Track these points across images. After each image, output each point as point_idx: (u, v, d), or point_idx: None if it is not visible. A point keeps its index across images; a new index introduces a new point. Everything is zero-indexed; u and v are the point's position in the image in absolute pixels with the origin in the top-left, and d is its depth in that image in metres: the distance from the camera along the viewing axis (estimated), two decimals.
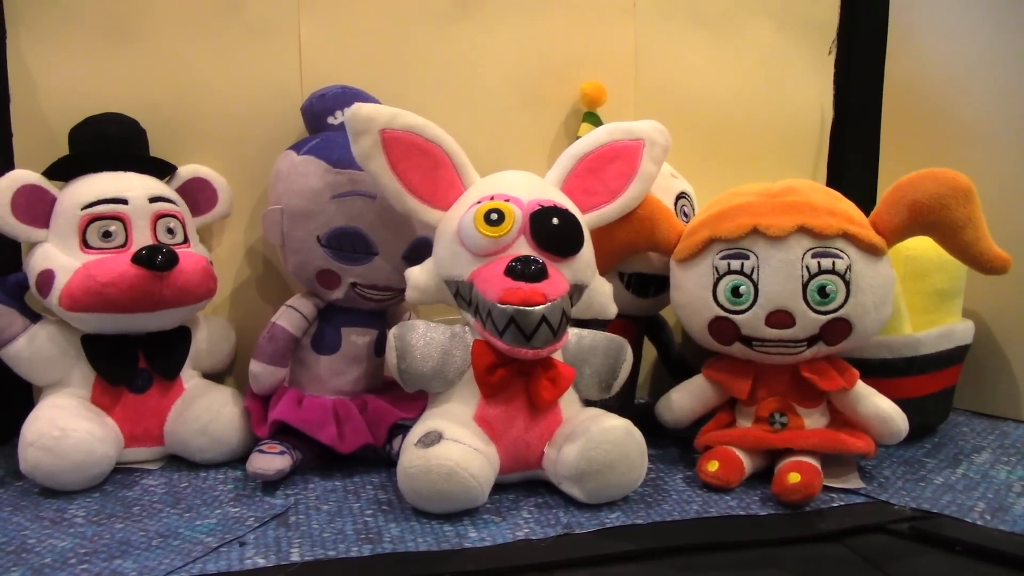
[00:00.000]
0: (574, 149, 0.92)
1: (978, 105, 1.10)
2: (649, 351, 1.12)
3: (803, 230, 0.85)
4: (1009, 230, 0.92)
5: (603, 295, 0.90)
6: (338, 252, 0.91)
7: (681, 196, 1.03)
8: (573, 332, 0.88)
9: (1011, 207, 1.04)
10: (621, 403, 0.97)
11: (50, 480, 0.84)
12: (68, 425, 0.85)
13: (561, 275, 0.83)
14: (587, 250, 0.87)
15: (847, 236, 0.85)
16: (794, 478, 0.82)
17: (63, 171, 0.93)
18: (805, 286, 0.85)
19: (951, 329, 1.01)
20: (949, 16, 1.12)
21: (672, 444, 0.99)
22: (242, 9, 1.02)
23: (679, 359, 1.09)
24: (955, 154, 1.10)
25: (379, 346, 0.96)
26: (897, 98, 1.18)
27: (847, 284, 0.85)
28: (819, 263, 0.84)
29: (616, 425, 0.82)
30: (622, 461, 0.81)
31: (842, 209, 0.87)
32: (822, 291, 0.84)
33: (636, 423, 0.84)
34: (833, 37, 1.22)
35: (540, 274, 0.80)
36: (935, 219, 0.85)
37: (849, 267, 0.85)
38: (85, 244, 0.89)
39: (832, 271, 0.84)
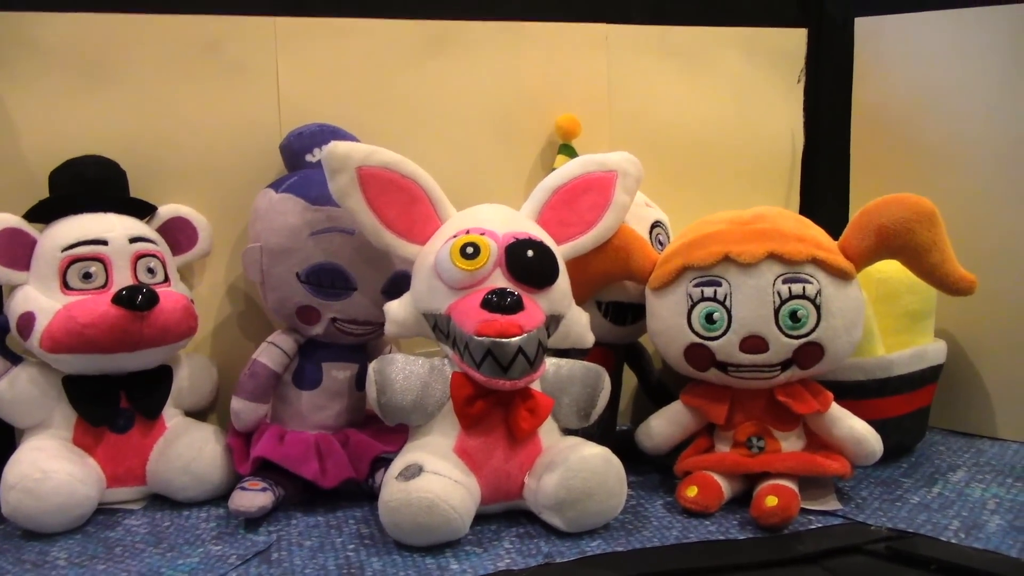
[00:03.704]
0: (548, 182, 0.94)
1: (943, 129, 1.13)
2: (630, 378, 1.12)
3: (773, 256, 0.86)
4: (975, 252, 0.94)
5: (580, 325, 0.91)
6: (317, 288, 0.92)
7: (656, 225, 1.04)
8: (551, 362, 0.89)
9: (976, 229, 1.06)
10: (602, 431, 0.98)
11: (32, 522, 0.85)
12: (50, 467, 0.85)
13: (537, 306, 0.85)
14: (563, 281, 0.88)
15: (816, 261, 0.87)
16: (771, 501, 0.83)
17: (43, 213, 0.93)
18: (777, 311, 0.86)
19: (923, 349, 1.02)
20: (913, 44, 1.15)
21: (653, 470, 1.00)
22: (220, 50, 1.03)
23: (659, 385, 1.10)
24: (922, 177, 1.12)
25: (360, 380, 0.97)
26: (865, 124, 1.21)
27: (818, 308, 0.86)
28: (790, 288, 0.86)
29: (595, 453, 0.83)
30: (601, 489, 0.82)
31: (811, 235, 0.89)
32: (793, 316, 0.86)
33: (618, 450, 0.85)
34: (801, 66, 1.24)
35: (516, 306, 0.82)
36: (901, 243, 0.87)
37: (819, 292, 0.86)
38: (65, 286, 0.90)
39: (803, 296, 0.86)
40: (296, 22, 1.05)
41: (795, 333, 0.86)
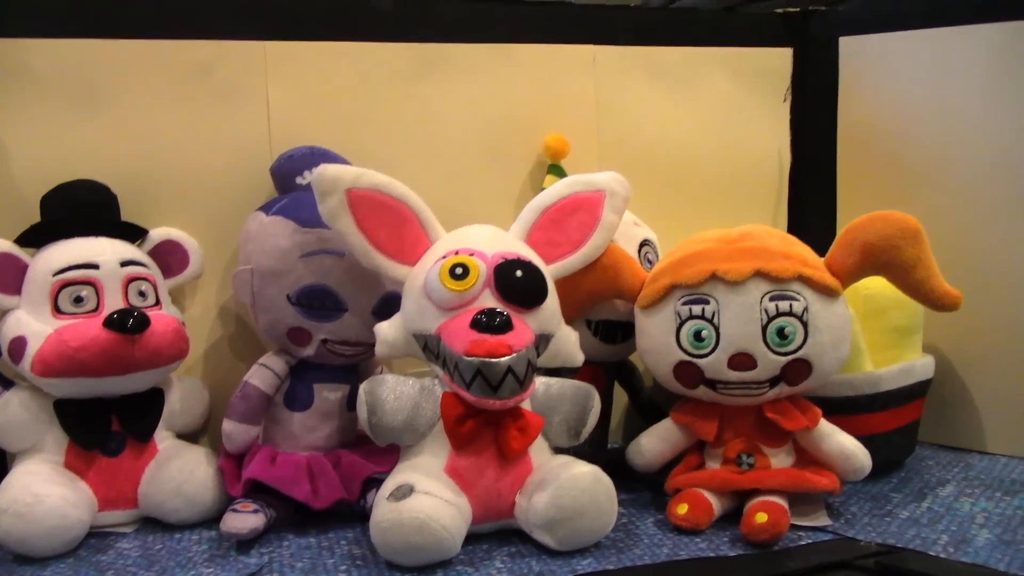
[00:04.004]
0: (536, 202, 0.94)
1: (927, 146, 1.14)
2: (621, 396, 1.13)
3: (760, 274, 0.87)
4: (960, 267, 0.95)
5: (570, 343, 0.92)
6: (308, 309, 0.93)
7: (644, 244, 1.05)
8: (540, 381, 0.89)
9: (961, 244, 1.07)
10: (594, 449, 0.98)
11: (24, 547, 0.85)
12: (41, 491, 0.85)
13: (526, 326, 0.85)
14: (552, 300, 0.89)
15: (803, 279, 0.87)
16: (761, 518, 0.84)
17: (35, 238, 0.94)
18: (764, 328, 0.87)
19: (912, 365, 1.03)
20: (896, 63, 1.17)
21: (645, 488, 1.00)
22: (211, 74, 1.04)
23: (649, 403, 1.11)
24: (907, 194, 1.13)
25: (351, 401, 0.97)
26: (851, 142, 1.22)
27: (805, 325, 0.87)
28: (777, 306, 0.87)
29: (585, 472, 0.83)
30: (592, 507, 0.82)
31: (797, 252, 0.90)
32: (781, 333, 0.87)
33: (609, 468, 0.86)
34: (787, 85, 1.26)
35: (505, 326, 0.82)
36: (886, 260, 0.88)
37: (806, 309, 0.87)
38: (57, 309, 0.90)
39: (790, 313, 0.87)
40: (286, 46, 1.05)
41: (783, 350, 0.87)
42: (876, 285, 0.99)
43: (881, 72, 1.18)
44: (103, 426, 0.93)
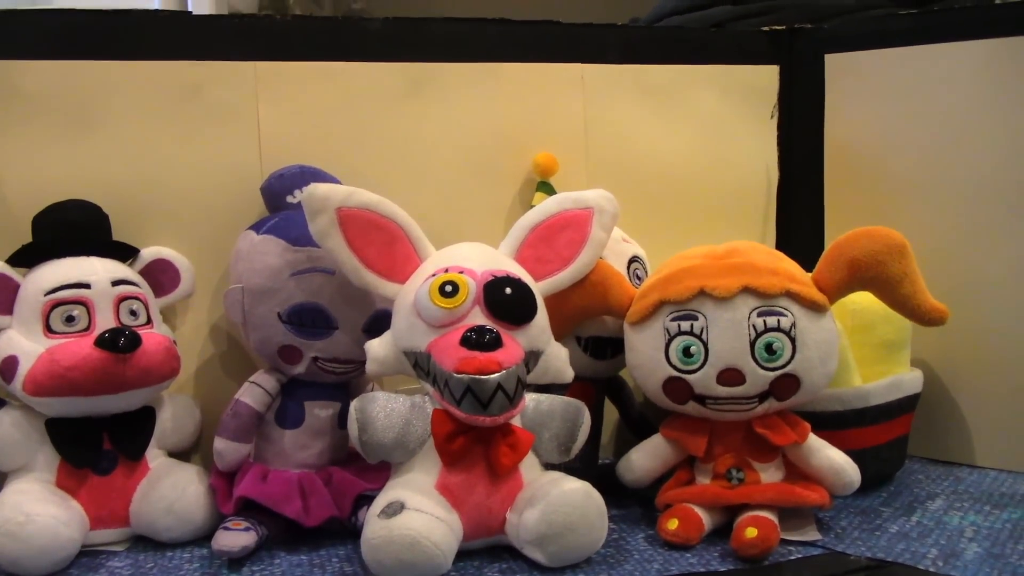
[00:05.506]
0: (525, 220, 0.95)
1: (914, 162, 1.15)
2: (611, 412, 1.13)
3: (748, 290, 0.88)
4: (946, 283, 0.96)
5: (559, 360, 0.92)
6: (299, 327, 0.93)
7: (633, 260, 1.06)
8: (531, 397, 0.90)
9: (947, 260, 1.08)
10: (585, 465, 0.98)
11: (15, 567, 0.84)
12: (33, 510, 0.85)
13: (516, 343, 0.86)
14: (541, 317, 0.90)
15: (790, 294, 0.88)
16: (751, 533, 0.84)
17: (26, 258, 0.94)
18: (753, 344, 0.87)
19: (900, 379, 1.04)
20: (882, 79, 1.18)
21: (635, 503, 1.00)
22: (201, 95, 1.05)
23: (640, 419, 1.11)
24: (895, 210, 1.14)
25: (342, 418, 0.97)
26: (838, 158, 1.23)
27: (793, 341, 0.87)
28: (764, 321, 0.87)
29: (575, 488, 0.84)
30: (582, 523, 0.83)
31: (784, 268, 0.91)
32: (769, 348, 0.87)
33: (600, 484, 0.86)
34: (774, 102, 1.27)
35: (495, 343, 0.83)
36: (873, 275, 0.89)
37: (794, 324, 0.88)
38: (48, 329, 0.90)
39: (778, 328, 0.87)
40: (276, 66, 1.06)
41: (771, 365, 0.88)
42: (864, 300, 1.00)
43: (867, 89, 1.19)
44: (94, 445, 0.93)
